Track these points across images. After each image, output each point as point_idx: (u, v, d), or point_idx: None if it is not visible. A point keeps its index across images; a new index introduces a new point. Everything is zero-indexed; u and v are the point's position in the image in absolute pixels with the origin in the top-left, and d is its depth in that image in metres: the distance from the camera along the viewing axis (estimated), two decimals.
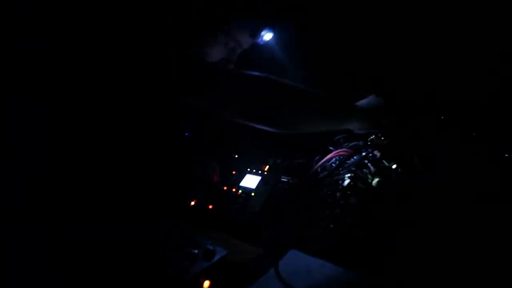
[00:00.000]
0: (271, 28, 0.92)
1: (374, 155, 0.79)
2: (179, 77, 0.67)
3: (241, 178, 0.99)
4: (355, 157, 0.83)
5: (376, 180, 0.74)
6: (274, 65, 0.75)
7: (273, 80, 0.70)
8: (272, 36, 0.96)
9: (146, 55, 0.66)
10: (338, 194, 0.76)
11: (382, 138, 0.81)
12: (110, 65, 0.65)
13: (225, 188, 0.93)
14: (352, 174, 0.77)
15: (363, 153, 0.82)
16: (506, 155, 0.68)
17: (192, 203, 0.86)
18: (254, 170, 1.03)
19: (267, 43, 0.96)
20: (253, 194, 0.90)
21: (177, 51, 0.69)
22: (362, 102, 0.80)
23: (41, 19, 0.61)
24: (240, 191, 0.91)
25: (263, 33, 0.92)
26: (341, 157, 0.86)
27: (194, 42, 0.77)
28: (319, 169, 0.90)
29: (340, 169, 0.82)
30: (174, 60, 0.67)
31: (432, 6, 0.91)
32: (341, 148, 0.89)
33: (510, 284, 0.56)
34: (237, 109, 0.71)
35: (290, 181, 0.98)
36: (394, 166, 0.74)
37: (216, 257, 0.59)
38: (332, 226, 0.72)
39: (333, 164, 0.86)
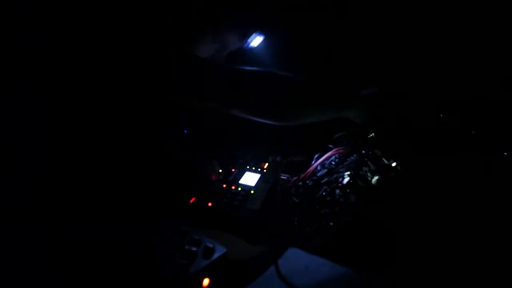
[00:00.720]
0: (262, 32, 0.91)
1: (374, 153, 0.79)
2: (179, 76, 0.67)
3: (240, 175, 0.99)
4: (354, 155, 0.83)
5: (375, 178, 0.74)
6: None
7: (271, 73, 0.70)
8: (261, 41, 0.94)
9: (146, 55, 0.66)
10: (337, 192, 0.76)
11: (382, 137, 0.81)
12: (110, 65, 0.65)
13: (224, 185, 0.93)
14: (352, 172, 0.77)
15: (363, 151, 0.81)
16: (505, 154, 0.68)
17: (191, 200, 0.86)
18: (253, 168, 1.04)
19: (254, 48, 0.95)
20: (252, 191, 0.90)
21: (177, 51, 0.69)
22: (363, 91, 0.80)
23: (41, 19, 0.61)
24: (239, 188, 0.91)
25: (251, 37, 0.91)
26: (340, 155, 0.86)
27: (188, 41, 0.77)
28: (318, 167, 0.90)
29: (340, 167, 0.82)
30: (174, 59, 0.67)
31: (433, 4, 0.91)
32: (341, 146, 0.89)
33: (510, 284, 0.56)
34: (238, 104, 0.71)
35: (290, 178, 0.98)
36: (394, 164, 0.74)
37: (216, 255, 0.59)
38: (331, 224, 0.72)
39: (333, 162, 0.86)
